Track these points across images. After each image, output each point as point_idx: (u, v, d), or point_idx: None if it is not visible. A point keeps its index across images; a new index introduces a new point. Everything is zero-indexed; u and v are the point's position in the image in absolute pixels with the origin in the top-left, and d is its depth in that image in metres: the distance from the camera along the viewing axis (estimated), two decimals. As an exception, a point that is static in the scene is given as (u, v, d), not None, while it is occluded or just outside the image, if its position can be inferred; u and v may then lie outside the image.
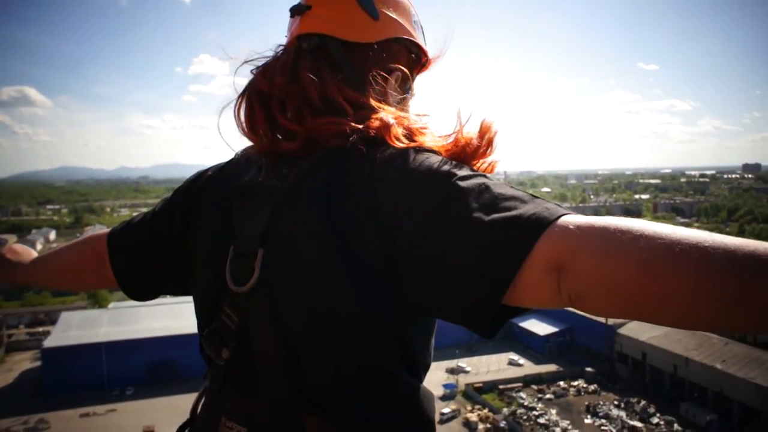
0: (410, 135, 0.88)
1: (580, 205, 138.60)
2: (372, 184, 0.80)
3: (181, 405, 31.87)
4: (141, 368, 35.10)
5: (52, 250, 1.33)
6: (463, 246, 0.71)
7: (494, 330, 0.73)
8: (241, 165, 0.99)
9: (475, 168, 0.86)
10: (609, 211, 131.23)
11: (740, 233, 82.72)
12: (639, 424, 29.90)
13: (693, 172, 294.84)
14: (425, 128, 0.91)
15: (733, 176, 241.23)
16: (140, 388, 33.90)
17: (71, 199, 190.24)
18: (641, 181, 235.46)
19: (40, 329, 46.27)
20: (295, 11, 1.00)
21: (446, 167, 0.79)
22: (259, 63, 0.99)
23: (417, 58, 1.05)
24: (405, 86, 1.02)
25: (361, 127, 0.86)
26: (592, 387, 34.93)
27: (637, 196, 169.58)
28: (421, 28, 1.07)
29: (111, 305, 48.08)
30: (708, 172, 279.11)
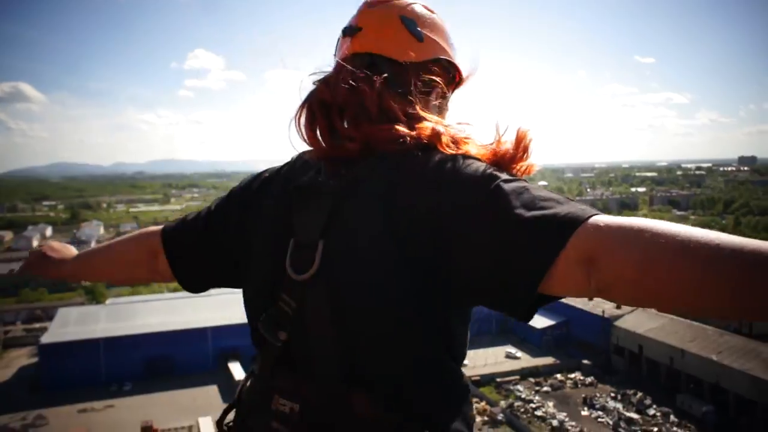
0: (456, 143, 0.98)
1: (577, 198, 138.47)
2: (426, 184, 0.90)
3: (179, 400, 31.91)
4: (139, 364, 35.07)
5: (97, 246, 1.43)
6: (506, 239, 0.80)
7: (530, 315, 0.82)
8: (297, 168, 1.08)
9: (514, 171, 0.97)
10: (605, 205, 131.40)
11: (736, 226, 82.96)
12: (635, 416, 30.06)
13: (689, 165, 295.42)
14: (469, 138, 1.01)
15: (729, 169, 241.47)
16: (138, 384, 33.88)
17: (67, 195, 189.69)
18: (637, 174, 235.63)
19: (37, 325, 46.09)
20: (347, 32, 1.12)
21: (491, 171, 0.89)
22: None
23: (452, 77, 1.16)
24: (443, 101, 1.13)
25: (414, 134, 0.96)
26: (588, 379, 35.07)
27: (633, 189, 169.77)
28: (455, 48, 1.18)
29: (108, 301, 47.99)
30: (704, 165, 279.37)
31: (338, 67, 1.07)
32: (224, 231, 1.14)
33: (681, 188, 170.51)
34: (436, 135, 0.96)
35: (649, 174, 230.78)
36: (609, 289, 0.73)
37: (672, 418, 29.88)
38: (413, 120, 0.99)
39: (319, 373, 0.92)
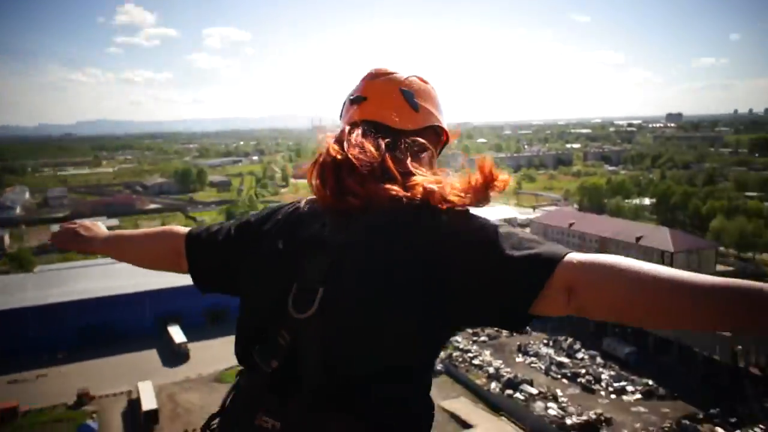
0: (445, 198, 1.11)
1: (515, 154, 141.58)
2: (423, 238, 1.05)
3: (116, 365, 31.27)
4: (72, 331, 33.98)
5: (127, 232, 1.64)
6: (502, 273, 0.99)
7: (523, 329, 1.05)
8: (306, 215, 1.21)
9: (494, 188, 1.14)
10: (542, 161, 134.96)
11: (662, 179, 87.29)
12: (565, 360, 31.90)
13: (621, 122, 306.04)
14: (452, 189, 1.13)
15: (657, 125, 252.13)
16: (72, 352, 32.92)
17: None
18: (572, 131, 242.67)
19: (-41, 296, 43.64)
20: (354, 101, 1.30)
21: (480, 222, 1.08)
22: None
23: (440, 137, 1.35)
24: (433, 154, 1.30)
25: (410, 193, 1.10)
26: (523, 328, 36.70)
27: (568, 146, 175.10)
28: (443, 112, 1.36)
29: (37, 269, 45.97)
30: (635, 122, 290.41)
31: (349, 130, 1.21)
32: (239, 252, 1.28)
33: (613, 144, 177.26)
34: (429, 193, 1.10)
35: (583, 131, 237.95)
36: (584, 310, 0.96)
37: (598, 360, 31.88)
38: (408, 177, 1.14)
39: (304, 399, 1.02)
